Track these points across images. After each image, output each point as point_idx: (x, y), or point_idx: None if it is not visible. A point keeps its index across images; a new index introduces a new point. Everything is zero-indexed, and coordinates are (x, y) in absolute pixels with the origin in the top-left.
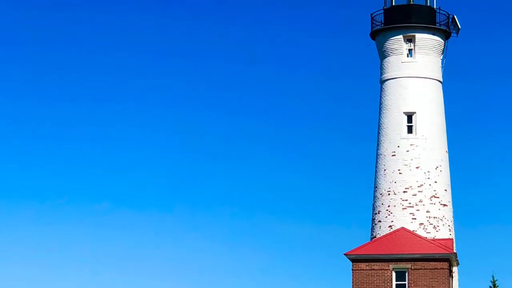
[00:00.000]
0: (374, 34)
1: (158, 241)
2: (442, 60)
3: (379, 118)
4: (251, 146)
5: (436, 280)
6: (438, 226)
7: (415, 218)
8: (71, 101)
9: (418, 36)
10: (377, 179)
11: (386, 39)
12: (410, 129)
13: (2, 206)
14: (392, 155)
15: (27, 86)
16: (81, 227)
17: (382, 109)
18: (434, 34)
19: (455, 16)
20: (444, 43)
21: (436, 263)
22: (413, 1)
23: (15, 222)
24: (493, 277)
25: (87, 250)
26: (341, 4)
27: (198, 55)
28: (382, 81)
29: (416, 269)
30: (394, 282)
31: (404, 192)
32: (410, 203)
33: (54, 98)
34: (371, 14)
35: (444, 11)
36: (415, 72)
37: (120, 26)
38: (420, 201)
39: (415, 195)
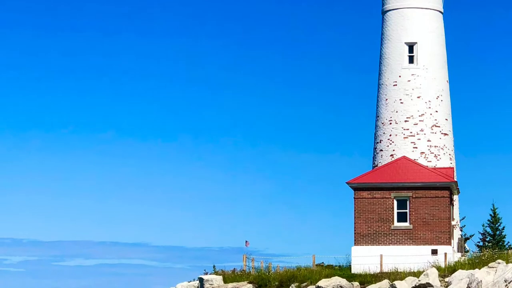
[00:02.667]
0: None
1: (162, 169)
2: None
3: (381, 49)
4: (254, 76)
5: (437, 208)
6: (439, 155)
7: (416, 147)
8: (77, 31)
9: None
10: (378, 108)
11: None
12: (411, 59)
13: (9, 136)
14: (394, 85)
15: (33, 16)
16: (86, 156)
17: (383, 39)
18: None
19: None
20: None
21: (437, 191)
22: None
23: (21, 152)
24: (493, 205)
25: (92, 178)
26: None
27: None
28: (384, 12)
29: (417, 197)
30: (395, 210)
31: (406, 121)
32: (411, 132)
33: (60, 28)
34: None
35: None
36: (417, 2)
37: None
38: (421, 130)
39: (416, 124)
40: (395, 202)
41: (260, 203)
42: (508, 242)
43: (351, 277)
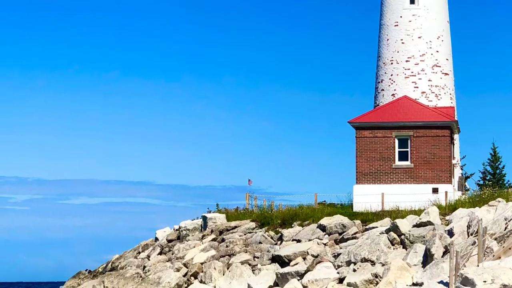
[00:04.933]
0: None
1: (166, 109)
2: None
3: None
4: (257, 16)
5: (437, 147)
6: (439, 94)
7: (417, 87)
8: None
9: None
10: (380, 48)
11: None
12: (412, 0)
13: (15, 75)
14: (395, 26)
15: None
16: (91, 96)
17: None
18: None
19: None
20: None
21: (437, 130)
22: None
23: (27, 91)
24: (493, 144)
25: (97, 118)
26: None
27: None
28: None
29: (418, 136)
30: (396, 149)
31: (407, 61)
32: (412, 72)
33: None
34: None
35: None
36: None
37: None
38: (422, 70)
39: (417, 64)
40: (396, 141)
41: (263, 142)
42: (508, 181)
43: (352, 215)
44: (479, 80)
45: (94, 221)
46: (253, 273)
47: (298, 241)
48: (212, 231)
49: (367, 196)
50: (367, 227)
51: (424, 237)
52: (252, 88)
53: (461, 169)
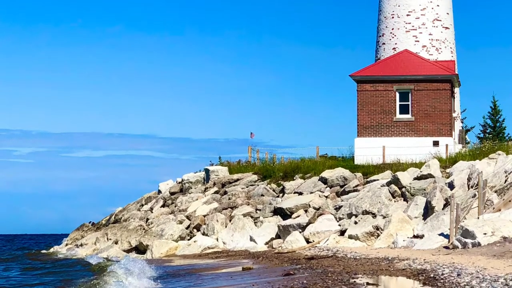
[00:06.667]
0: None
1: (169, 62)
2: None
3: None
4: None
5: (438, 100)
6: (440, 48)
7: (418, 41)
8: None
9: None
10: (381, 2)
11: None
12: None
13: (18, 30)
14: None
15: None
16: (95, 49)
17: None
18: None
19: None
20: None
21: (438, 84)
22: None
23: (31, 45)
24: (493, 97)
25: (100, 71)
26: None
27: None
28: None
29: (419, 90)
30: (397, 103)
31: (408, 15)
32: (413, 26)
33: None
34: None
35: None
36: None
37: None
38: (423, 24)
39: (418, 18)
40: (397, 95)
41: (265, 96)
42: (508, 134)
43: (354, 168)
44: (479, 34)
45: (98, 174)
46: (255, 226)
47: (300, 193)
48: (214, 184)
49: (368, 149)
50: (368, 179)
51: (424, 189)
52: (255, 42)
53: (462, 122)
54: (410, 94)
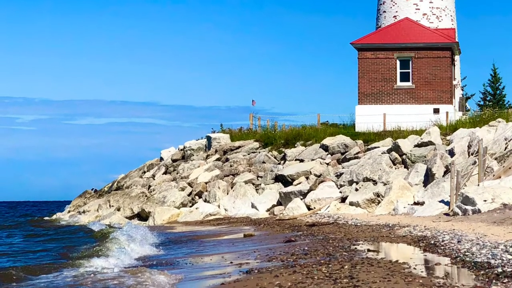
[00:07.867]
0: None
1: (171, 30)
2: None
3: None
4: None
5: (438, 68)
6: (440, 16)
7: (418, 9)
8: None
9: None
10: None
11: None
12: None
13: None
14: None
15: None
16: (97, 16)
17: None
18: None
19: None
20: None
21: (438, 51)
22: None
23: (33, 12)
24: (493, 65)
25: (103, 38)
26: None
27: None
28: None
29: (419, 57)
30: (398, 70)
31: None
32: None
33: None
34: None
35: None
36: None
37: None
38: None
39: None
40: (398, 62)
41: (267, 63)
42: (508, 101)
43: (355, 135)
44: (479, 1)
45: (100, 141)
46: (257, 192)
47: (301, 160)
48: (216, 151)
49: (369, 117)
50: (369, 147)
51: (425, 156)
52: (256, 10)
53: (462, 89)
54: (410, 62)
